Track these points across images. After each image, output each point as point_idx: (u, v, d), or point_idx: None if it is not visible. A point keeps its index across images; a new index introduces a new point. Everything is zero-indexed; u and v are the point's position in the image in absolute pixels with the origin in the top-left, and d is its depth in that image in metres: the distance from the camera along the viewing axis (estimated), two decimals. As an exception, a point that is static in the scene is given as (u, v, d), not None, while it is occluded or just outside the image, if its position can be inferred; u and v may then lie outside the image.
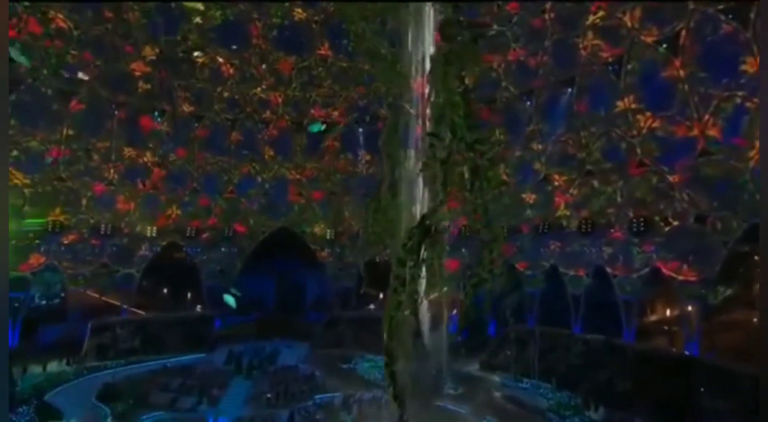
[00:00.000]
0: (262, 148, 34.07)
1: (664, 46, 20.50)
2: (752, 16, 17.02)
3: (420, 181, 8.84)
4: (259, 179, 34.38)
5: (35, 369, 22.88)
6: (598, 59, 23.42)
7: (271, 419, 17.80)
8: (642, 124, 22.31)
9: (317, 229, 35.65)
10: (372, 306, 29.42)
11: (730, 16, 17.84)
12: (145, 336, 27.43)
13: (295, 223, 35.22)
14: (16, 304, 26.59)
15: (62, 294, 29.79)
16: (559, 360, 22.49)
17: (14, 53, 23.22)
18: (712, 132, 19.47)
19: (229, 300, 27.89)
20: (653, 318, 25.76)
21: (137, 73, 29.12)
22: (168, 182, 31.79)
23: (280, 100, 33.29)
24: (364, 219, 11.63)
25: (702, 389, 17.06)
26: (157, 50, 28.73)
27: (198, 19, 28.21)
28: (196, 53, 29.28)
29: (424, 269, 6.99)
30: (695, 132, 19.99)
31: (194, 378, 21.94)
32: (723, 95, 18.72)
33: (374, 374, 21.48)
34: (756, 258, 18.74)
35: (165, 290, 34.30)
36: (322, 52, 31.98)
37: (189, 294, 34.06)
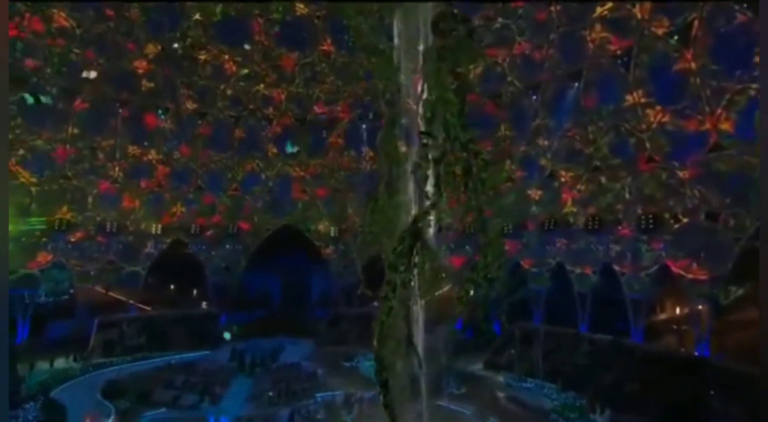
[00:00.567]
0: (265, 145, 34.01)
1: (675, 37, 19.83)
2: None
3: (418, 180, 8.58)
4: (263, 176, 34.35)
5: (43, 365, 23.18)
6: (606, 52, 22.77)
7: (271, 418, 17.78)
8: (652, 119, 21.69)
9: (321, 226, 35.58)
10: (376, 304, 29.19)
11: (745, 6, 17.14)
12: (151, 333, 27.66)
13: (299, 220, 35.19)
14: (26, 301, 27.03)
15: (70, 291, 30.19)
16: (565, 360, 22.11)
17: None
18: (725, 126, 18.84)
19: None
20: (662, 317, 25.20)
21: (140, 71, 29.14)
22: (172, 180, 31.92)
23: (283, 96, 33.12)
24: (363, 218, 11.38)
25: (712, 392, 16.60)
26: (159, 47, 28.70)
27: (197, 16, 28.06)
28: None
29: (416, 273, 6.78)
30: (707, 126, 19.36)
31: (198, 376, 22.03)
32: (736, 88, 18.07)
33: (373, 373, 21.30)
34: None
35: (170, 287, 34.59)
36: (325, 47, 31.68)
37: (194, 291, 34.30)
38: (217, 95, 31.76)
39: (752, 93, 17.52)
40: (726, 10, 17.85)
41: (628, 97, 22.21)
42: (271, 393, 19.79)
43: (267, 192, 34.33)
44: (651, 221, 21.93)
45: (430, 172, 7.01)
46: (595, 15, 22.70)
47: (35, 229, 27.18)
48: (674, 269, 21.30)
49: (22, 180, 26.55)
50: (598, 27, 22.87)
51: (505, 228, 28.48)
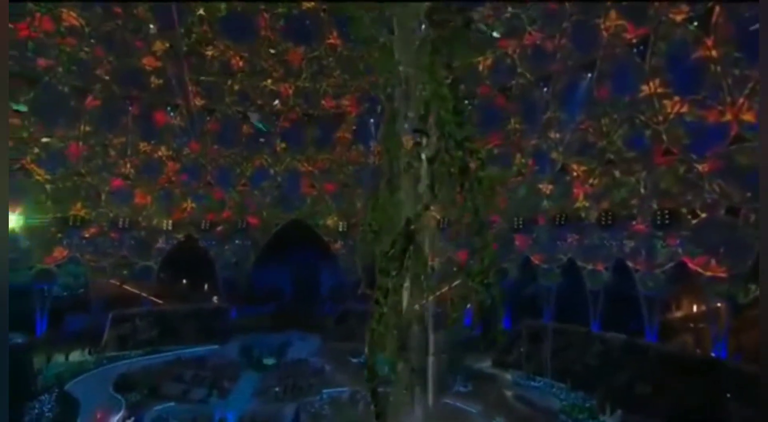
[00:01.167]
0: (273, 141, 33.99)
1: (695, 24, 18.83)
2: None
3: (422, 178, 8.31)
4: (272, 172, 34.40)
5: (59, 358, 23.83)
6: (622, 40, 21.84)
7: (277, 413, 17.89)
8: (669, 109, 20.76)
9: (330, 221, 35.53)
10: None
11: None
12: (163, 327, 28.16)
13: (308, 215, 35.21)
14: (45, 295, 27.82)
15: (86, 286, 30.91)
16: (576, 360, 21.63)
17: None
18: (747, 116, 17.87)
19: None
20: (678, 316, 24.42)
21: (149, 68, 29.34)
22: (182, 176, 32.24)
23: (290, 91, 32.97)
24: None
25: (729, 395, 15.98)
26: (168, 45, 28.79)
27: (201, 11, 28.01)
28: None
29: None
30: (728, 117, 18.42)
31: (207, 370, 22.35)
32: (759, 76, 17.07)
33: (383, 369, 21.24)
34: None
35: (181, 282, 35.13)
36: (332, 41, 31.32)
37: (205, 286, 34.76)
38: (224, 91, 31.80)
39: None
40: (749, -6, 16.86)
41: (644, 88, 21.28)
42: (277, 389, 19.92)
43: (276, 187, 34.41)
44: (667, 216, 21.12)
45: (423, 172, 6.71)
46: (609, 2, 21.77)
47: (51, 226, 27.85)
48: (691, 266, 20.53)
49: (38, 177, 27.17)
50: (612, 15, 21.95)
51: (516, 223, 27.96)
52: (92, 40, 26.89)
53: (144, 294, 30.55)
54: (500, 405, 18.54)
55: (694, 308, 24.25)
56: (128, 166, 30.36)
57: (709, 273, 19.92)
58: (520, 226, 27.75)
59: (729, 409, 15.50)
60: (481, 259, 6.47)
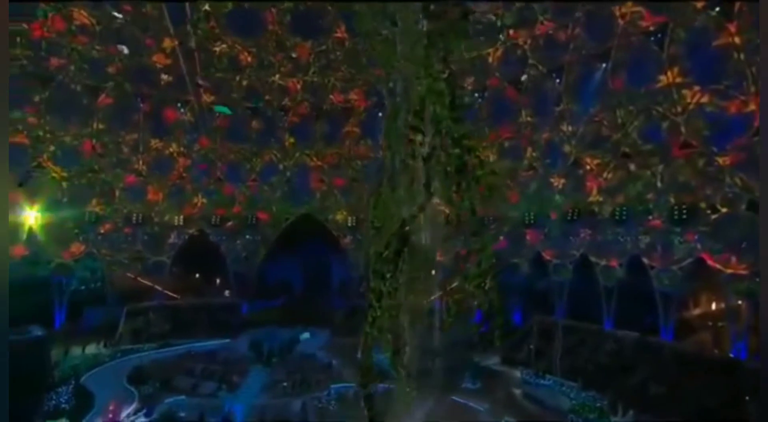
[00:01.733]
0: (282, 136, 33.99)
1: (717, 9, 17.91)
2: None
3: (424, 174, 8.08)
4: (281, 167, 34.45)
5: (76, 350, 24.51)
6: (638, 29, 20.98)
7: (284, 408, 18.02)
8: (688, 100, 19.92)
9: (339, 216, 35.46)
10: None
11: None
12: (176, 321, 28.67)
13: (318, 210, 35.21)
14: (63, 289, 28.60)
15: (102, 280, 31.66)
16: (587, 358, 21.17)
17: None
18: (772, 107, 16.95)
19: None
20: (695, 314, 23.63)
21: (159, 65, 29.55)
22: (193, 172, 32.56)
23: (298, 86, 32.83)
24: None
25: (748, 396, 15.38)
26: (177, 42, 28.90)
27: (206, 6, 27.97)
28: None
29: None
30: (751, 107, 17.55)
31: (217, 364, 22.66)
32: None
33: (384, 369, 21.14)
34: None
35: (193, 276, 35.65)
36: (339, 34, 30.98)
37: (216, 281, 35.19)
38: (233, 87, 31.85)
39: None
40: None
41: (662, 77, 20.45)
42: (285, 384, 20.06)
43: (285, 182, 34.45)
44: (684, 211, 20.38)
45: (419, 170, 6.48)
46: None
47: (67, 221, 28.53)
48: (710, 263, 19.77)
49: (54, 175, 27.79)
50: (629, 2, 21.04)
51: (527, 217, 27.41)
52: (103, 38, 27.12)
53: (159, 288, 31.08)
54: (509, 403, 18.28)
55: (713, 306, 23.42)
56: (141, 162, 30.77)
57: (729, 270, 19.17)
58: (532, 221, 27.20)
59: (748, 412, 14.92)
60: (479, 262, 6.22)
